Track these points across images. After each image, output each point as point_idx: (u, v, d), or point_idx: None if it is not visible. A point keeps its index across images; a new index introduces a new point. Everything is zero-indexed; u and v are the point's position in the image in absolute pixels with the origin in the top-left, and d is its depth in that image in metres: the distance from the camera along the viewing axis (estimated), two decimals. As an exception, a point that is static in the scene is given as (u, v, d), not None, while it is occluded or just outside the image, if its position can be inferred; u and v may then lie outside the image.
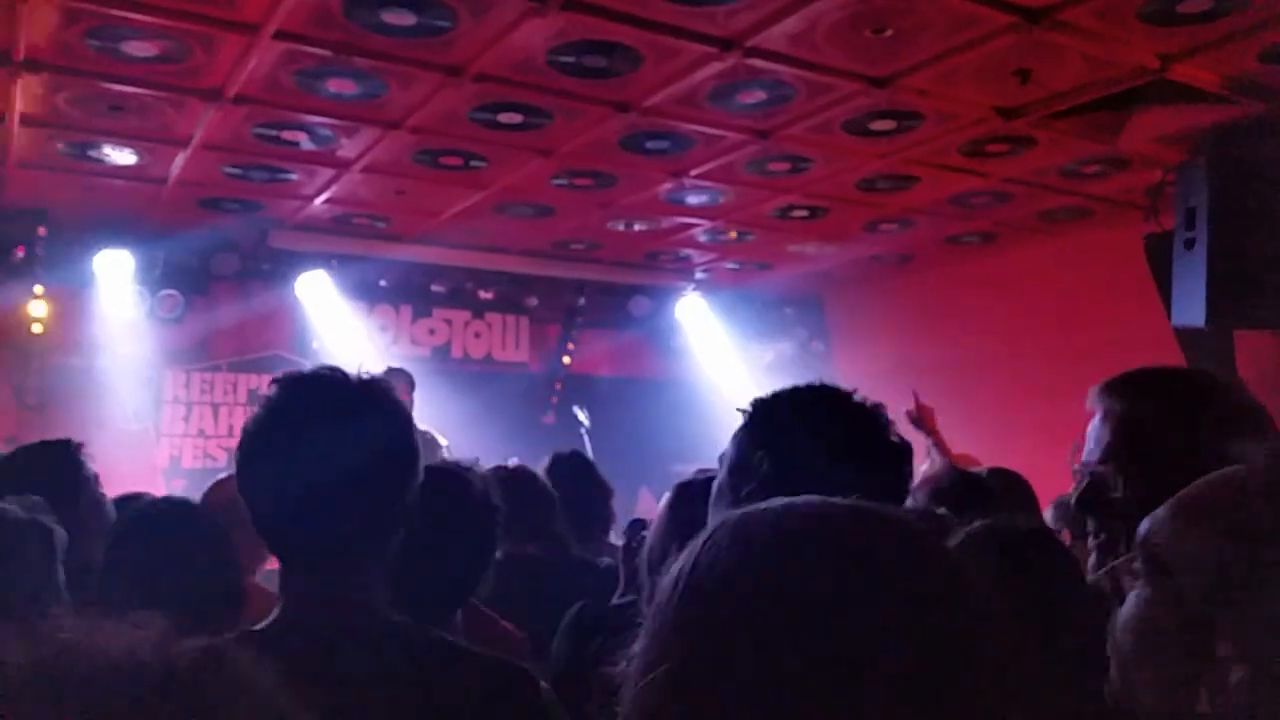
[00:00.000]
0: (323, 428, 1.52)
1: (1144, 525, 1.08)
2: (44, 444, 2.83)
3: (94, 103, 4.88)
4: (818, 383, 1.71)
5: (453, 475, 2.43)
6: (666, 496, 2.40)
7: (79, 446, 2.79)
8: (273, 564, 1.62)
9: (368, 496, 1.53)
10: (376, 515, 1.55)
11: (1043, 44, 4.14)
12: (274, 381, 1.59)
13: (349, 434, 1.52)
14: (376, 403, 1.59)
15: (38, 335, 7.14)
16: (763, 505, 0.83)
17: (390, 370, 6.60)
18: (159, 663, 0.72)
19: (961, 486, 2.89)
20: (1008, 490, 3.11)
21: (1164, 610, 1.05)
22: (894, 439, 1.67)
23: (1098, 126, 5.11)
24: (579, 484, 3.52)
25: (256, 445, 1.55)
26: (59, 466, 2.73)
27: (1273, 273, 5.09)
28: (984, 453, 4.22)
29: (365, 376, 1.61)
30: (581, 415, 7.48)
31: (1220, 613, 1.00)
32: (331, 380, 1.59)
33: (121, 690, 0.70)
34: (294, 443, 1.52)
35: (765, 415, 1.67)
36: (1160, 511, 1.07)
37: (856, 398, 1.68)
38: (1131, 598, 1.10)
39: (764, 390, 1.71)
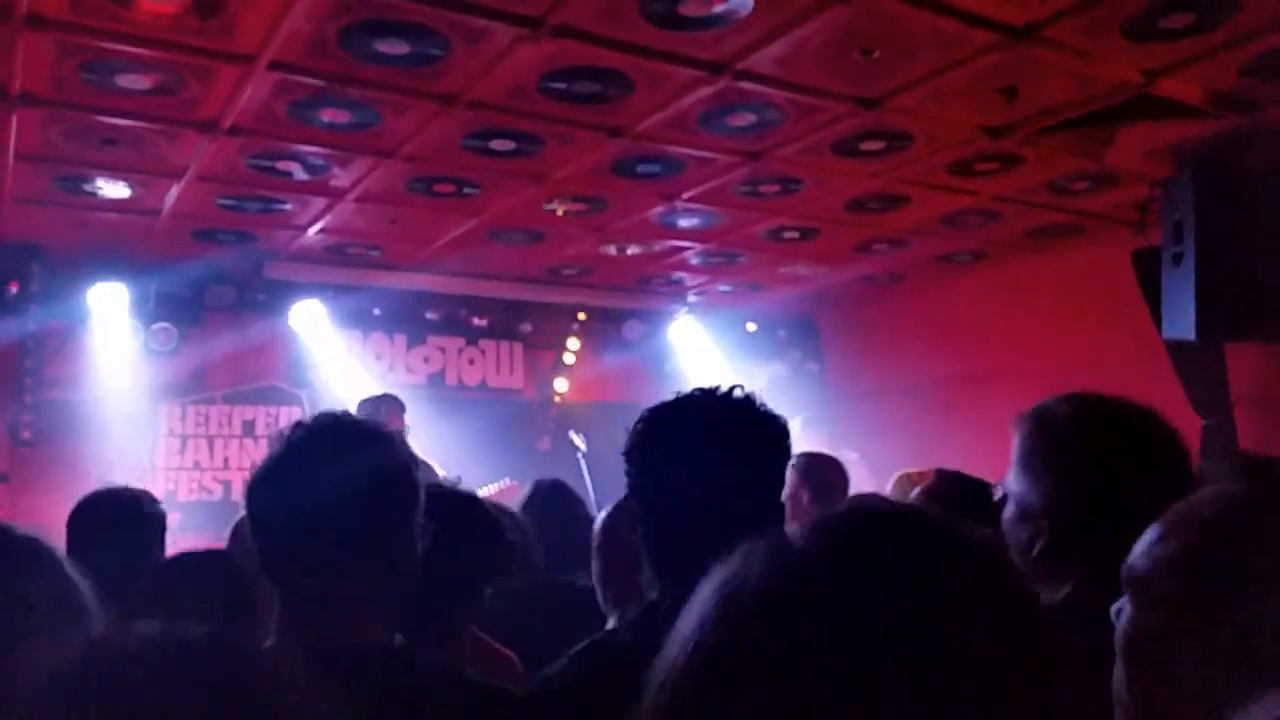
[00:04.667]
0: (333, 467, 1.62)
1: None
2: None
3: (87, 136, 4.90)
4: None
5: (463, 499, 2.45)
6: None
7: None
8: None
9: (369, 534, 1.62)
10: (377, 552, 1.63)
11: (1028, 61, 4.19)
12: (298, 424, 1.72)
13: (357, 475, 1.62)
14: (383, 447, 1.70)
15: (30, 369, 7.15)
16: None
17: (382, 397, 6.62)
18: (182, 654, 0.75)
19: (959, 492, 2.92)
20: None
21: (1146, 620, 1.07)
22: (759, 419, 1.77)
23: (1085, 143, 5.16)
24: (557, 514, 3.52)
25: (267, 481, 1.65)
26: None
27: (1261, 285, 5.13)
28: (976, 470, 4.23)
29: (373, 424, 1.78)
30: (578, 440, 7.48)
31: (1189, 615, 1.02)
32: (343, 425, 1.73)
33: (147, 681, 0.72)
34: (303, 480, 1.61)
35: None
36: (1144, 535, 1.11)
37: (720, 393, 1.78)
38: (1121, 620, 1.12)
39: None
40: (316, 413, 1.77)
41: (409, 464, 1.72)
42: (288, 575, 1.62)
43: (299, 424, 1.73)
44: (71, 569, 1.37)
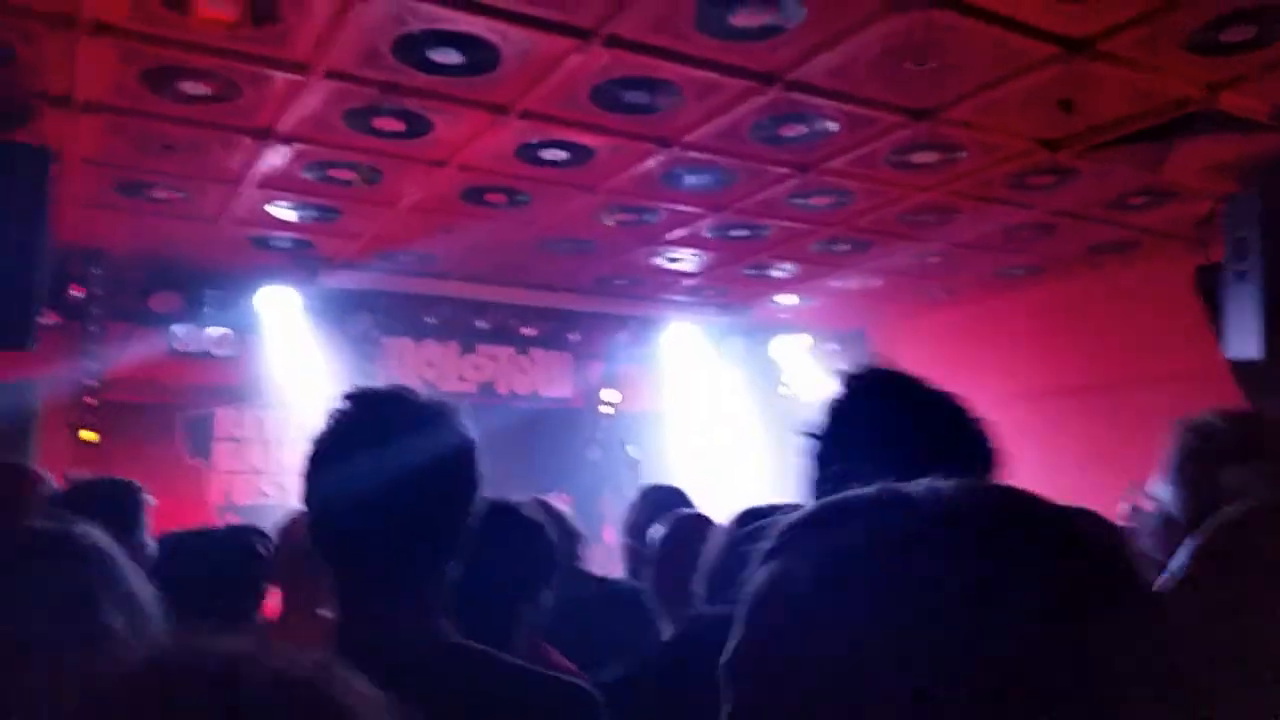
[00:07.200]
0: (392, 443, 1.52)
1: None
2: (113, 480, 3.00)
3: (148, 142, 4.99)
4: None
5: (505, 504, 2.45)
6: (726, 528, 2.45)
7: (140, 487, 2.95)
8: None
9: (432, 514, 1.53)
10: (438, 534, 1.54)
11: (1086, 74, 4.12)
12: (346, 396, 1.60)
13: (417, 451, 1.52)
14: (445, 422, 1.59)
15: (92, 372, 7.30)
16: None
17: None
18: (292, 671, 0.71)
19: None
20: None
21: None
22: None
23: (1143, 157, 5.06)
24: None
25: (324, 457, 1.55)
26: (123, 501, 2.85)
27: (1329, 303, 4.99)
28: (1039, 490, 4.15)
29: (435, 398, 1.61)
30: (634, 452, 7.47)
31: None
32: (402, 397, 1.60)
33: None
34: (362, 456, 1.51)
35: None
36: None
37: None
38: None
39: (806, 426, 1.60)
40: (373, 386, 1.64)
41: (472, 442, 1.61)
42: (342, 558, 1.54)
43: (355, 395, 1.60)
44: (136, 577, 1.31)
